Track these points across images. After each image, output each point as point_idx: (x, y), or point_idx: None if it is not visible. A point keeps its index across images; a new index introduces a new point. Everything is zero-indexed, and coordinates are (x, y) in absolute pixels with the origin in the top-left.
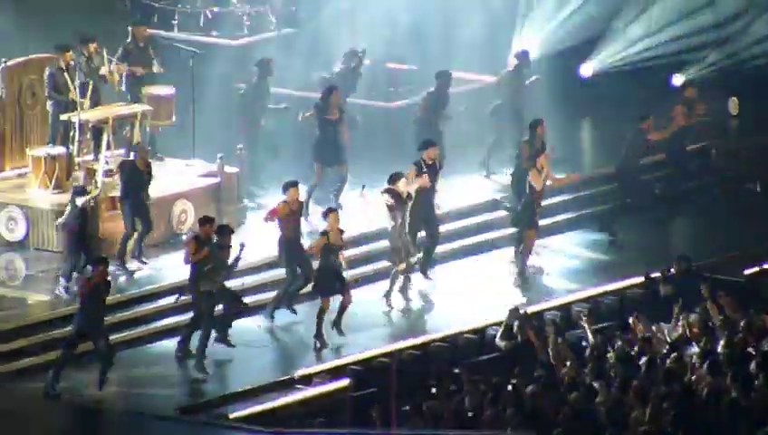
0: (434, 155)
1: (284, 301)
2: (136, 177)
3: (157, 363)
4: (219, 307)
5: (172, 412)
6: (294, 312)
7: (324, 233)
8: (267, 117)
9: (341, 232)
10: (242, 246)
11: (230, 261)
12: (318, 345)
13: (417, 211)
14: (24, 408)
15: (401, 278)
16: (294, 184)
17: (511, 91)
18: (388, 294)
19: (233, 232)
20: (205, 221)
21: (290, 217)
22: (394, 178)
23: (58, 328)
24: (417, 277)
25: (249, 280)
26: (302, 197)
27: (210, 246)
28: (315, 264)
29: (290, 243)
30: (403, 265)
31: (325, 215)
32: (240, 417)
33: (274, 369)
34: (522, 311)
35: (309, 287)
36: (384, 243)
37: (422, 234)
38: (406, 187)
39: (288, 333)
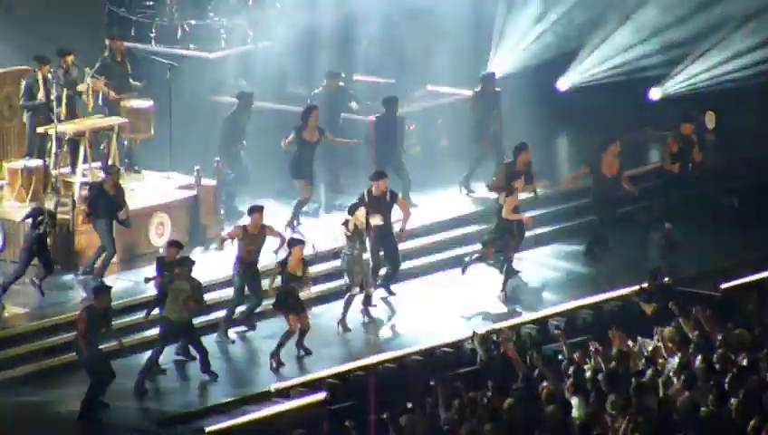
0: (383, 187)
1: (244, 321)
2: (103, 199)
3: (134, 376)
4: None
5: (149, 426)
6: (254, 327)
7: (283, 263)
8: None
9: (305, 263)
10: (146, 280)
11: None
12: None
13: (373, 244)
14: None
15: (354, 302)
16: (259, 209)
17: (479, 113)
18: (342, 319)
19: (193, 264)
20: (172, 244)
21: (248, 240)
22: (353, 209)
23: (34, 341)
24: (381, 293)
25: (215, 296)
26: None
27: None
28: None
29: (244, 265)
30: (356, 290)
31: (290, 245)
32: (216, 430)
33: (252, 383)
34: (481, 332)
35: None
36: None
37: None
38: (364, 218)
39: (266, 346)
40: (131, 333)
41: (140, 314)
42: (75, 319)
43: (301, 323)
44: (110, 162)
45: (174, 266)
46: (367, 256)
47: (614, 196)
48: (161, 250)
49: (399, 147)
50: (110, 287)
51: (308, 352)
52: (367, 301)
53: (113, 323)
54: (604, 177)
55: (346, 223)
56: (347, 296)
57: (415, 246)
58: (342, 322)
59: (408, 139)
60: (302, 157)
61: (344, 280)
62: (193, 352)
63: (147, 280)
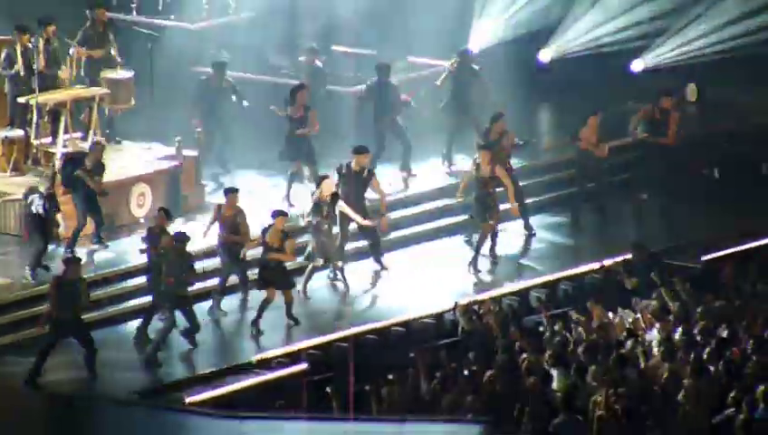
0: (363, 162)
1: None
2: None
3: (113, 347)
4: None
5: (128, 396)
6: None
7: (264, 231)
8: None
9: (284, 235)
10: (141, 251)
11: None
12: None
13: (344, 218)
14: None
15: (312, 273)
16: (233, 190)
17: (454, 87)
18: (303, 288)
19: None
20: (161, 211)
21: (227, 220)
22: (321, 179)
23: (14, 311)
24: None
25: (205, 265)
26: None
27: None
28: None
29: (226, 245)
30: (319, 262)
31: (273, 216)
32: (196, 401)
33: (232, 354)
34: (463, 303)
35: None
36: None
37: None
38: (330, 190)
39: (244, 319)
40: (112, 304)
41: (121, 285)
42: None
43: (284, 295)
44: (90, 133)
45: (163, 235)
46: (336, 228)
47: (597, 167)
48: (142, 220)
49: (395, 112)
50: (80, 259)
51: (296, 322)
52: (339, 272)
53: (94, 293)
54: (586, 148)
55: (315, 197)
56: (309, 267)
57: (396, 218)
58: (303, 291)
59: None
60: (287, 136)
61: (307, 249)
62: (182, 320)
63: (141, 251)
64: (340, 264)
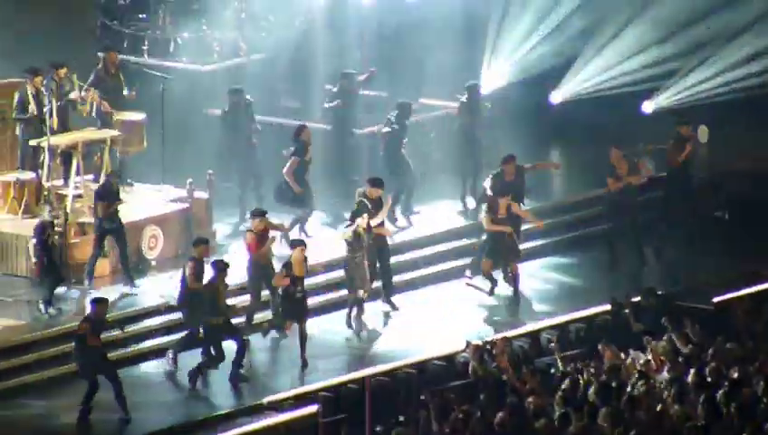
0: (375, 194)
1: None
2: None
3: (126, 388)
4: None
5: None
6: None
7: (287, 265)
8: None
9: (306, 261)
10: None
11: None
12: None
13: (371, 248)
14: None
15: (355, 307)
16: (261, 214)
17: (463, 122)
18: (348, 321)
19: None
20: (199, 242)
21: (257, 244)
22: (355, 215)
23: (26, 353)
24: (381, 307)
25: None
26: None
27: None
28: None
29: (257, 267)
30: (362, 293)
31: (292, 247)
32: None
33: (244, 395)
34: (475, 343)
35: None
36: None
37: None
38: (364, 222)
39: (257, 357)
40: (123, 346)
41: (134, 327)
42: (70, 331)
43: (299, 329)
44: (102, 174)
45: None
46: (366, 262)
47: (627, 202)
48: (153, 263)
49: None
50: (107, 299)
51: (305, 364)
52: (359, 308)
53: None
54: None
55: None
56: (353, 301)
57: (409, 259)
58: (352, 324)
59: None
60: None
61: (347, 287)
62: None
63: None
64: (364, 294)
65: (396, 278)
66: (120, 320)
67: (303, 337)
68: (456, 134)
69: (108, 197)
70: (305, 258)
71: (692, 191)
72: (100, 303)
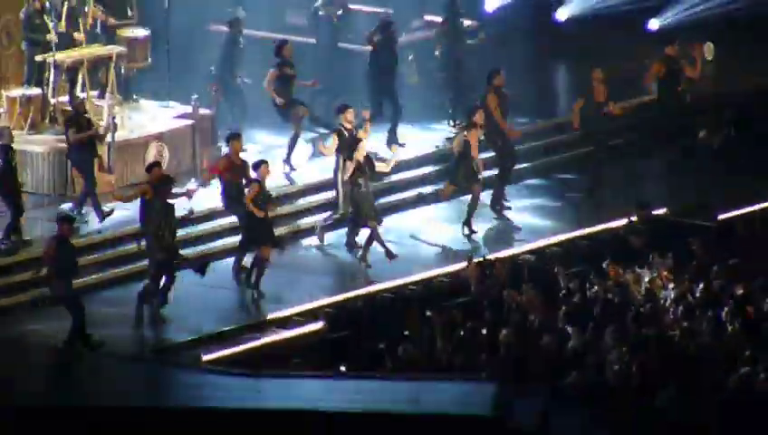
0: (350, 118)
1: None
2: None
3: (128, 305)
4: None
5: (146, 354)
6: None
7: (256, 181)
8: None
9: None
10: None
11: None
12: (255, 296)
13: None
14: None
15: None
16: (237, 136)
17: (447, 42)
18: (350, 242)
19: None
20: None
21: (231, 171)
22: (355, 143)
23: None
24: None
25: (217, 224)
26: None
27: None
28: None
29: (231, 198)
30: (375, 223)
31: (256, 167)
32: (213, 359)
33: (247, 312)
34: (475, 261)
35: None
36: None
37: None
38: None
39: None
40: (125, 263)
41: (132, 245)
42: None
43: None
44: (107, 91)
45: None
46: (370, 190)
47: (603, 123)
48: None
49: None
50: (74, 217)
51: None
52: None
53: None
54: (592, 105)
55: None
56: (370, 233)
57: (410, 177)
58: (364, 257)
59: (409, 69)
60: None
61: (353, 217)
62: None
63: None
64: (376, 224)
65: (398, 197)
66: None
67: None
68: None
69: (76, 123)
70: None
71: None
72: (66, 220)
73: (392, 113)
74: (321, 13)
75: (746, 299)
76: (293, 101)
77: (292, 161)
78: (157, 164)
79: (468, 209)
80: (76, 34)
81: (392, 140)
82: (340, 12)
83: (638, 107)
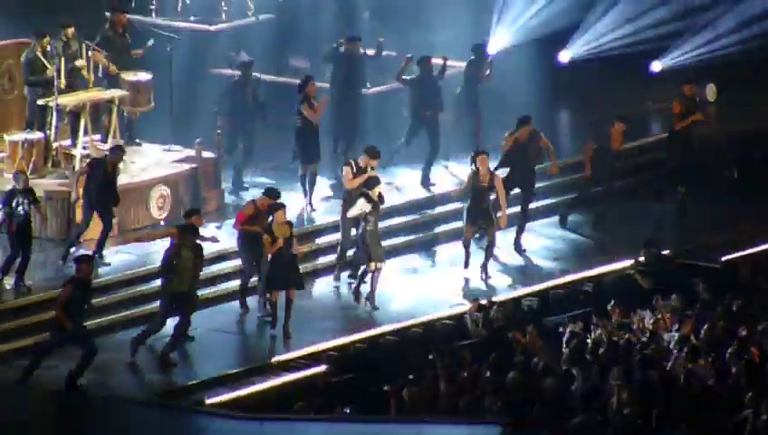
0: (365, 163)
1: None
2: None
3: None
4: None
5: (148, 397)
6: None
7: (269, 230)
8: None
9: (289, 224)
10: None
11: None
12: (284, 335)
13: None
14: None
15: (369, 276)
16: (272, 194)
17: (465, 81)
18: (363, 294)
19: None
20: (192, 213)
21: (254, 219)
22: (372, 184)
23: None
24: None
25: (220, 267)
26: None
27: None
28: None
29: (248, 242)
30: (374, 265)
31: (271, 211)
32: (217, 402)
33: (251, 355)
34: (483, 302)
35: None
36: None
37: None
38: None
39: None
40: (132, 306)
41: (140, 287)
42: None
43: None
44: (110, 135)
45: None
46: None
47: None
48: (162, 223)
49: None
50: (91, 257)
51: (288, 336)
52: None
53: (112, 296)
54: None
55: (364, 195)
56: (362, 271)
57: (416, 220)
58: (367, 298)
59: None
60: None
61: (362, 260)
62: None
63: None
64: (380, 265)
65: (409, 238)
66: (121, 282)
67: (290, 305)
68: (457, 97)
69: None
70: (287, 221)
71: (694, 152)
72: (83, 262)
73: (429, 151)
74: (341, 50)
75: (749, 341)
76: (312, 149)
77: (312, 201)
78: (197, 211)
79: (486, 253)
80: (78, 63)
81: (426, 178)
82: (374, 52)
83: (640, 147)
